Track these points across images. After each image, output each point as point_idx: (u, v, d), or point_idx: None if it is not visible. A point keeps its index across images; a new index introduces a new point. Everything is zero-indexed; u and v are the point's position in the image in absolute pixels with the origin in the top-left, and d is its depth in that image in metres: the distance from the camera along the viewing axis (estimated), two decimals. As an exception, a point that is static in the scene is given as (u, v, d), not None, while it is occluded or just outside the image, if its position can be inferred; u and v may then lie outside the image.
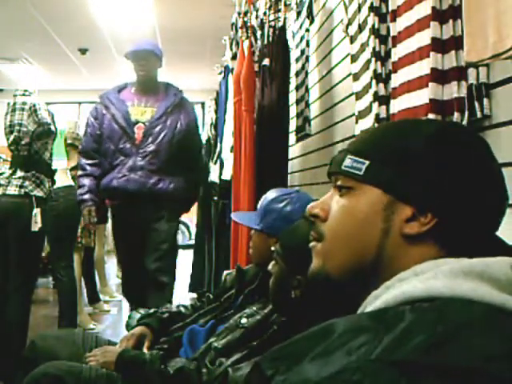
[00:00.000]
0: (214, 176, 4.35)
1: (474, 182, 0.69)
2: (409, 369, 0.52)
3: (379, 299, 0.66)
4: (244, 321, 1.54)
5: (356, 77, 2.07)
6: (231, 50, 3.94)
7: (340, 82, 2.60)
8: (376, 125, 1.78)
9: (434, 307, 0.59)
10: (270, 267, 1.42)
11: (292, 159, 3.33)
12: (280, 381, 0.59)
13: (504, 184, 0.73)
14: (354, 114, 2.11)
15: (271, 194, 1.72)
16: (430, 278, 0.63)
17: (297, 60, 3.06)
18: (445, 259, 0.67)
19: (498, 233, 0.75)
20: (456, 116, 1.32)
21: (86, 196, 3.14)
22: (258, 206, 1.75)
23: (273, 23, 3.07)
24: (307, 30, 2.97)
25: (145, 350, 1.76)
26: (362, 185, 0.72)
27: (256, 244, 1.71)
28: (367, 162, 0.72)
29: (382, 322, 0.59)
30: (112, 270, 6.83)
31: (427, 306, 0.60)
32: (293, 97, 3.08)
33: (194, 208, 6.58)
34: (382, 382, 0.52)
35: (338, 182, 0.75)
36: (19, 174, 3.20)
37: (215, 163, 4.26)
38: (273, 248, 1.41)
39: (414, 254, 0.69)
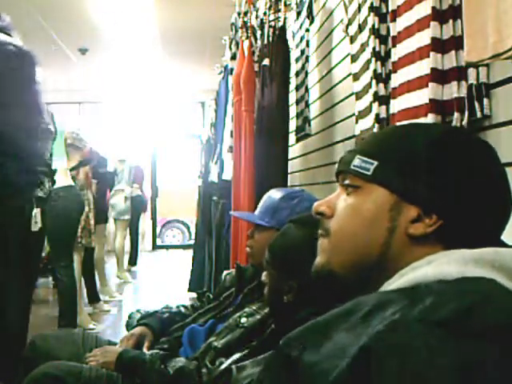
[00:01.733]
0: (213, 176, 4.35)
1: (478, 185, 0.71)
2: (455, 329, 0.54)
3: (392, 285, 0.68)
4: (244, 320, 1.54)
5: (356, 77, 2.07)
6: (231, 50, 3.94)
7: (340, 82, 2.60)
8: (376, 125, 1.78)
9: (456, 281, 0.62)
10: (263, 277, 1.42)
11: (292, 159, 3.33)
12: (311, 361, 0.61)
13: (509, 188, 0.74)
14: (353, 114, 2.11)
15: (277, 193, 1.72)
16: (443, 263, 0.65)
17: (297, 60, 3.06)
18: (458, 250, 0.68)
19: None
20: (456, 116, 1.32)
21: None
22: (262, 206, 1.73)
23: (273, 23, 3.06)
24: (307, 30, 2.97)
25: (145, 350, 1.75)
26: (370, 184, 0.74)
27: (260, 243, 1.68)
28: (376, 163, 0.73)
29: (409, 295, 0.61)
30: (112, 270, 6.83)
31: (451, 281, 0.62)
32: (293, 97, 3.08)
33: (194, 208, 6.60)
34: (431, 341, 0.53)
35: (346, 181, 0.77)
36: (19, 173, 3.19)
37: (215, 163, 4.26)
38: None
39: (419, 253, 0.70)
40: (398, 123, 1.56)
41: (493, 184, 0.72)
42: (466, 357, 0.52)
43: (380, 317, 0.58)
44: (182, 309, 1.99)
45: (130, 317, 2.15)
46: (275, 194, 1.73)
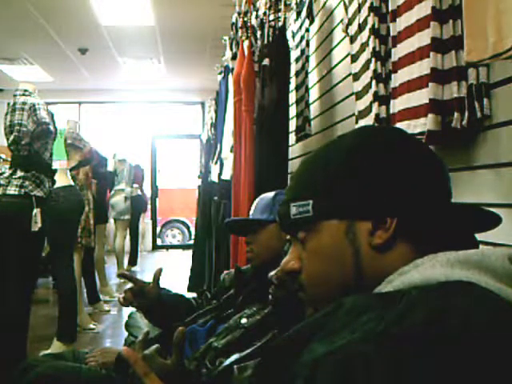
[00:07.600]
0: (213, 176, 4.35)
1: (404, 169, 0.71)
2: (410, 341, 0.54)
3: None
4: (244, 321, 1.54)
5: (356, 77, 2.07)
6: (231, 50, 3.94)
7: (340, 81, 2.60)
8: (376, 125, 1.77)
9: (435, 287, 0.61)
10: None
11: (292, 159, 3.33)
12: (296, 368, 0.61)
13: (437, 163, 0.74)
14: (354, 114, 2.11)
15: (268, 194, 1.72)
16: (428, 267, 0.65)
17: (297, 60, 3.05)
18: (444, 252, 0.68)
19: (497, 233, 0.75)
20: (456, 116, 1.32)
21: None
22: (256, 208, 1.71)
23: (273, 23, 3.06)
24: (307, 30, 2.97)
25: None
26: (317, 223, 0.74)
27: (260, 242, 1.67)
28: (310, 201, 0.74)
29: (386, 301, 0.61)
30: (112, 269, 6.83)
31: (429, 286, 0.62)
32: (293, 97, 3.08)
33: (194, 208, 6.59)
34: (386, 353, 0.54)
35: (296, 232, 0.77)
36: (19, 173, 3.19)
37: (215, 163, 4.26)
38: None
39: (392, 258, 0.71)
40: (397, 123, 1.57)
41: (417, 163, 0.72)
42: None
43: (352, 326, 0.59)
44: (193, 301, 2.00)
45: (130, 317, 2.15)
46: (265, 196, 1.73)
